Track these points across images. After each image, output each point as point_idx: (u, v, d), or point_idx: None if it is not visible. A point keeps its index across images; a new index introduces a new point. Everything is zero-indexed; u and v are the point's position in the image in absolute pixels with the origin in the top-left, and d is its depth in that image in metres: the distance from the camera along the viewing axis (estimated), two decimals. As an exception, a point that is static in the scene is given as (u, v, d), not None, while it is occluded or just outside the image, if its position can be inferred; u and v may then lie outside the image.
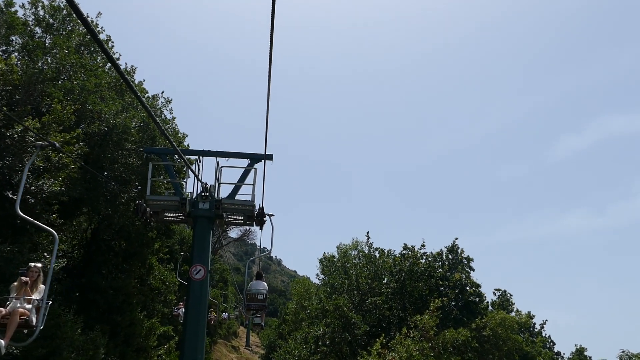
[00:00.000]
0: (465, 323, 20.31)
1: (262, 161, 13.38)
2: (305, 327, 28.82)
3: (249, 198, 13.15)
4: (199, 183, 13.24)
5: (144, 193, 13.22)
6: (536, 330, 23.92)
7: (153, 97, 22.41)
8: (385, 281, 25.39)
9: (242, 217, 14.21)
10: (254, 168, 13.47)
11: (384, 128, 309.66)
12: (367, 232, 27.76)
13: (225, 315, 47.00)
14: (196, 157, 14.20)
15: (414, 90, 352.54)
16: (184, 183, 14.33)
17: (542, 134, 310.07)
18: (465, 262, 23.23)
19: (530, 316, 22.56)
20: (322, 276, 35.32)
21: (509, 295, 23.84)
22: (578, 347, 34.79)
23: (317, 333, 23.66)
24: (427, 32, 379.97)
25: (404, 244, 24.48)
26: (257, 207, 13.31)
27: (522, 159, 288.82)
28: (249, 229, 76.07)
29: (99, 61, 19.96)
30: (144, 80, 22.55)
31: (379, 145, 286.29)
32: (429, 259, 23.63)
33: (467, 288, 22.41)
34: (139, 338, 23.89)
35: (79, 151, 13.88)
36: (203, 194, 13.17)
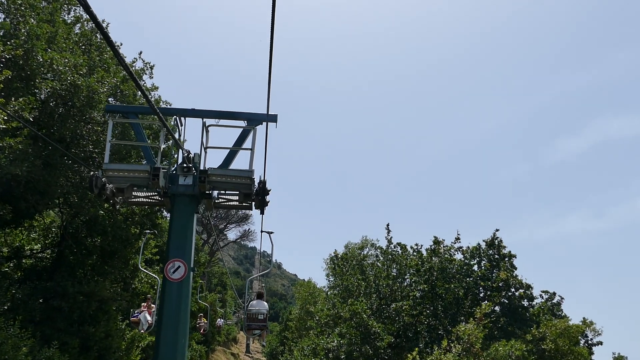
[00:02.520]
0: (515, 333, 16.62)
1: (264, 124, 9.63)
2: (313, 337, 25.06)
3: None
4: (180, 151, 9.55)
5: (102, 161, 9.57)
6: (592, 341, 20.11)
7: (132, 63, 18.75)
8: (407, 282, 21.58)
9: (237, 197, 10.47)
10: (254, 128, 9.74)
11: (384, 128, 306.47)
12: (387, 225, 23.52)
13: (220, 321, 42.90)
14: (176, 117, 10.46)
15: (415, 91, 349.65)
16: (159, 148, 10.34)
17: (540, 135, 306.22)
18: (507, 259, 19.52)
19: (587, 323, 18.82)
20: (331, 278, 31.48)
21: (559, 298, 19.97)
22: (616, 355, 31.66)
23: (329, 345, 19.93)
24: (427, 33, 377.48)
25: (434, 237, 20.72)
26: (256, 181, 9.60)
27: (521, 161, 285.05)
28: (248, 229, 72.24)
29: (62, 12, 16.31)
30: (122, 44, 18.84)
31: (379, 145, 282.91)
32: (466, 255, 19.85)
33: (513, 290, 18.74)
34: (118, 352, 20.12)
35: (17, 107, 10.16)
36: (185, 165, 9.48)
